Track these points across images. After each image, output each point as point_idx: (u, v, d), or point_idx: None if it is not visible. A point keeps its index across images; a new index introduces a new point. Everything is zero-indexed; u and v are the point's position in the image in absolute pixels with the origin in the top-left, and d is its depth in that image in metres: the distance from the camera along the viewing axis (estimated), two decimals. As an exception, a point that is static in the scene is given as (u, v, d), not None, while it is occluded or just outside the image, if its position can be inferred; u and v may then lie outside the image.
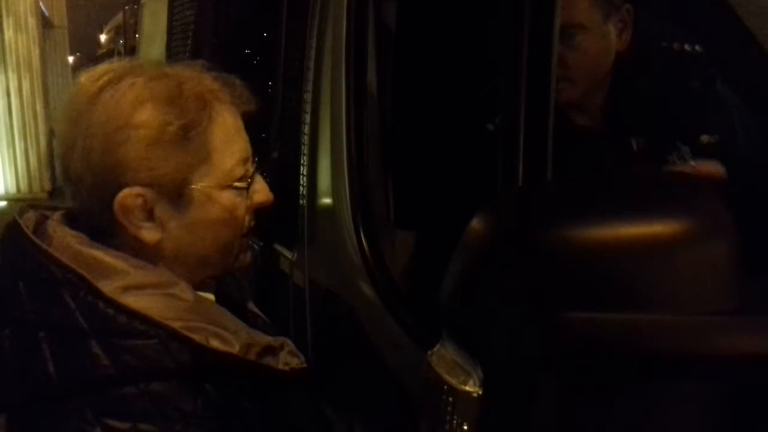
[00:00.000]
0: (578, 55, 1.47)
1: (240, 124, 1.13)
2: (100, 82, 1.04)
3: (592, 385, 0.68)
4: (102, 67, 1.08)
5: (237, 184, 1.10)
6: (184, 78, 1.07)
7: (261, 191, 1.15)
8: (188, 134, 1.04)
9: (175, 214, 1.07)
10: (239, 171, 1.11)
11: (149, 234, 1.06)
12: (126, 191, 1.03)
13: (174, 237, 1.08)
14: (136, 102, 1.02)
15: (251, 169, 1.13)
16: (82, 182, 1.04)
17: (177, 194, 1.06)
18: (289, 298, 1.95)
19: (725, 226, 0.66)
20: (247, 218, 1.14)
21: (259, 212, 1.18)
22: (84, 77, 1.07)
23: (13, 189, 10.06)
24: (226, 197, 1.09)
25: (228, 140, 1.09)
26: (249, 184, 1.12)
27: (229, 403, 1.04)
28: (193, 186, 1.06)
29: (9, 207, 9.53)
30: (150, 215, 1.05)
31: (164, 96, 1.04)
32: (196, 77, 1.08)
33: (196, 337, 1.00)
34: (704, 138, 1.42)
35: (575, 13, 1.45)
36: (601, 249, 0.66)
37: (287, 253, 2.00)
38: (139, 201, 1.04)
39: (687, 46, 1.52)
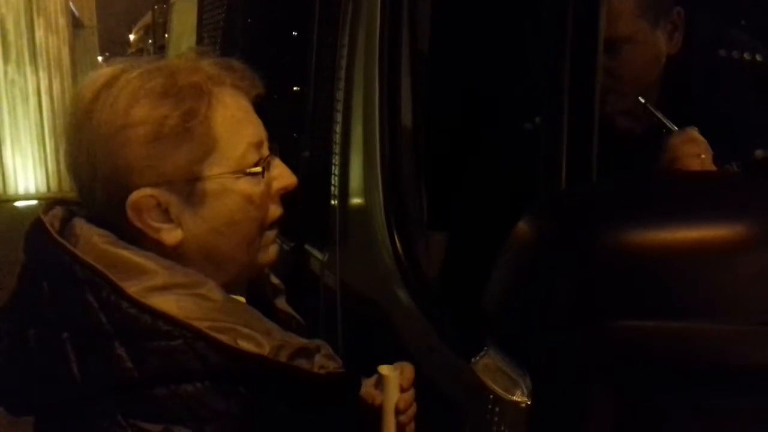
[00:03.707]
0: (627, 68, 1.41)
1: (248, 106, 1.08)
2: (96, 85, 1.02)
3: (648, 397, 0.65)
4: (98, 72, 1.05)
5: (251, 170, 1.06)
6: (177, 69, 1.04)
7: (281, 176, 1.11)
8: (188, 125, 1.01)
9: (191, 210, 1.03)
10: (252, 156, 1.06)
11: (169, 235, 1.03)
12: (135, 194, 1.00)
13: (195, 235, 1.05)
14: (131, 100, 1.00)
15: (267, 154, 1.09)
16: (94, 191, 1.02)
17: (189, 190, 1.03)
18: (319, 299, 1.94)
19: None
20: (271, 207, 1.10)
21: (289, 208, 1.14)
22: (83, 84, 1.04)
23: (43, 188, 10.18)
24: (242, 186, 1.05)
25: (234, 125, 1.05)
26: (264, 170, 1.07)
27: (264, 406, 1.02)
28: (205, 178, 1.03)
29: (40, 206, 9.59)
30: (167, 216, 1.03)
31: (158, 90, 1.00)
32: (191, 66, 1.05)
33: (223, 337, 0.97)
34: (758, 153, 1.36)
35: (622, 26, 1.39)
36: (659, 253, 0.63)
37: (318, 254, 1.99)
38: (152, 202, 1.01)
39: (747, 55, 1.47)
